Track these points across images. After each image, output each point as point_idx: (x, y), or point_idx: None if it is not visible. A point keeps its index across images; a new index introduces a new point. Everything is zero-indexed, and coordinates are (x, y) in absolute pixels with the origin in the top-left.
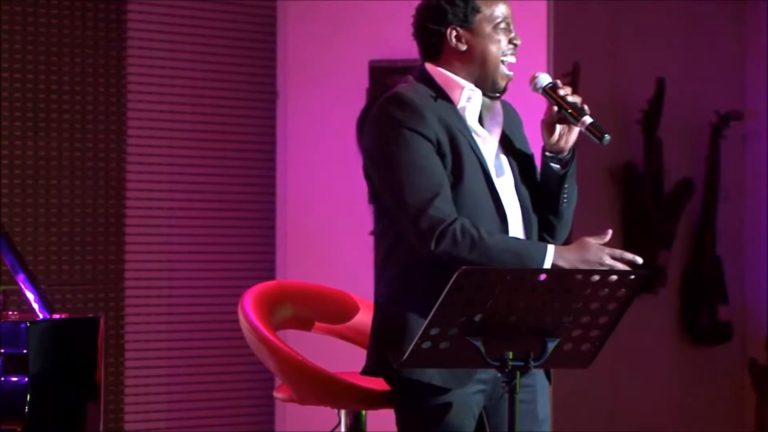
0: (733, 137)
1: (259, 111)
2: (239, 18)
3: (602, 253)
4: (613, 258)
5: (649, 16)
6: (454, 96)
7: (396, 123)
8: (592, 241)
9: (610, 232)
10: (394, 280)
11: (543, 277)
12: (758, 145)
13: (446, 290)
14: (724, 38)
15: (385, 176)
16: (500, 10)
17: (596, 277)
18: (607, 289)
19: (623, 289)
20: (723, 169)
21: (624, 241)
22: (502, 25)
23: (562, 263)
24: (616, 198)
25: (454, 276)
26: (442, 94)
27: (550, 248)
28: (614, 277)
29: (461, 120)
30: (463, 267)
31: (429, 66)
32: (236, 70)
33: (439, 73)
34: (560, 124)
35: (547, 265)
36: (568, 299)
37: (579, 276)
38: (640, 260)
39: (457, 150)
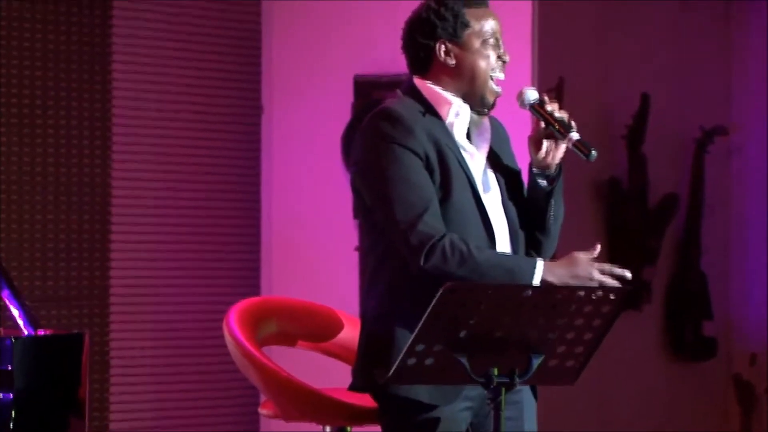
0: (718, 152)
1: (243, 126)
2: (223, 33)
3: (591, 268)
4: (603, 273)
5: (634, 31)
6: (442, 111)
7: (386, 138)
8: (582, 256)
9: (599, 246)
10: (382, 295)
11: (528, 293)
12: (743, 161)
13: (431, 306)
14: (708, 53)
15: (375, 191)
16: (489, 26)
17: (581, 293)
18: (591, 306)
19: (608, 306)
20: (708, 185)
21: (609, 256)
22: (491, 41)
23: (551, 278)
24: (601, 213)
25: (439, 292)
26: (430, 109)
27: (540, 263)
28: (599, 294)
29: (449, 135)
30: (448, 283)
31: (417, 80)
32: (221, 85)
33: (428, 87)
34: (547, 140)
35: (537, 280)
36: (553, 315)
37: (564, 292)
38: (629, 275)
39: (446, 165)
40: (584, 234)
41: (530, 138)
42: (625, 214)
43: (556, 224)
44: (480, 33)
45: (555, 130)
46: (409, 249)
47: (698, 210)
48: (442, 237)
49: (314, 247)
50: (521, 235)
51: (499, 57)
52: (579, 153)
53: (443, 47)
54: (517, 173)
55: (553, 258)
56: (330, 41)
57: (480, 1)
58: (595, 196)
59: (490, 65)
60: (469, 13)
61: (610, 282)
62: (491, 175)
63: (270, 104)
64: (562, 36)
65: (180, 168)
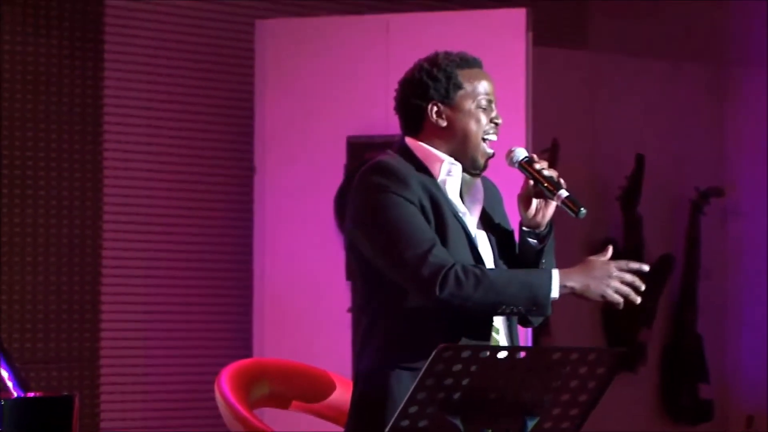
0: (714, 213)
1: (235, 187)
2: (216, 93)
3: (608, 267)
4: (620, 269)
5: (627, 92)
6: (434, 169)
7: (381, 188)
8: (596, 258)
9: (611, 249)
10: (375, 354)
11: (522, 354)
12: (739, 222)
13: (425, 367)
14: (702, 113)
15: (378, 238)
16: (483, 87)
17: (575, 355)
18: (586, 367)
19: (603, 368)
20: (704, 246)
21: (603, 318)
22: (484, 103)
23: (571, 284)
24: None
25: (433, 353)
26: (422, 168)
27: (555, 272)
28: (593, 355)
29: (442, 193)
30: (441, 345)
31: (409, 140)
32: (212, 146)
33: (419, 146)
34: (536, 198)
35: (556, 289)
36: (548, 377)
37: (558, 354)
38: (646, 267)
39: (441, 216)
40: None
41: (519, 196)
42: None
43: None
44: (472, 94)
45: (544, 188)
46: (423, 282)
47: (694, 271)
48: (453, 265)
49: (307, 309)
50: None
51: (491, 120)
52: (568, 210)
53: (435, 108)
54: (509, 233)
55: (545, 323)
56: (323, 102)
57: (473, 62)
58: (590, 256)
59: (481, 127)
60: (462, 75)
61: (629, 278)
62: (482, 235)
63: (263, 165)
64: (555, 97)
65: (171, 229)
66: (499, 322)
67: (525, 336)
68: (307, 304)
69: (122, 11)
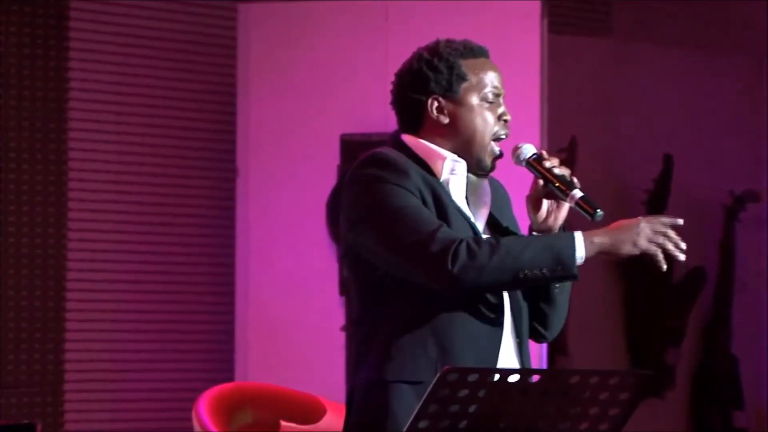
0: (750, 221)
1: (216, 192)
2: (194, 86)
3: (638, 220)
4: (654, 230)
5: (653, 85)
6: (435, 168)
7: (377, 179)
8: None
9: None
10: (376, 362)
11: (535, 378)
12: None
13: (428, 392)
14: (739, 109)
15: (379, 230)
16: (489, 79)
17: (596, 379)
18: (607, 392)
19: (626, 392)
20: (739, 257)
21: (626, 337)
22: (490, 97)
23: (599, 239)
24: (617, 288)
25: (436, 376)
26: (422, 166)
27: (578, 233)
28: (615, 379)
29: (446, 193)
30: (446, 367)
31: (406, 137)
32: (191, 146)
33: (418, 143)
34: (547, 199)
35: (581, 246)
36: (565, 403)
37: (576, 377)
38: (680, 221)
39: (445, 213)
40: (598, 312)
41: (528, 198)
42: (646, 290)
43: (563, 294)
44: (478, 87)
45: (555, 188)
46: (433, 259)
47: (728, 285)
48: (462, 240)
49: (295, 327)
50: (524, 306)
51: (499, 116)
52: (583, 213)
53: (436, 103)
54: None
55: (564, 346)
56: (313, 96)
57: (478, 51)
58: (612, 268)
59: (488, 125)
60: (466, 65)
61: (664, 229)
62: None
63: (246, 167)
64: (574, 90)
65: (143, 239)
66: (508, 340)
67: (539, 357)
68: (295, 322)
69: None
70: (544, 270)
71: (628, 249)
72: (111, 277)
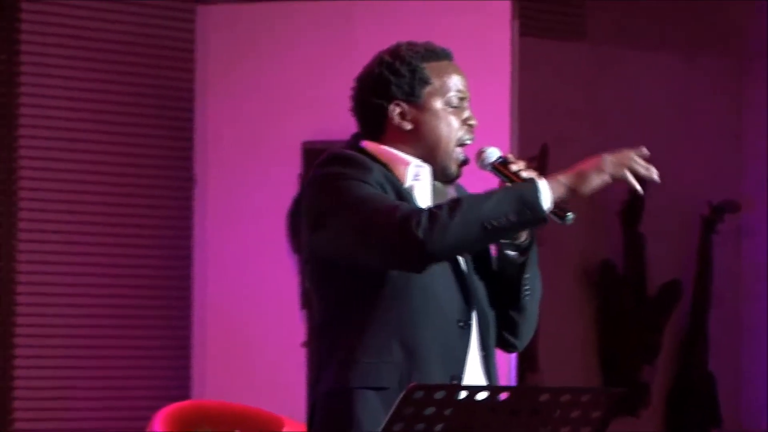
0: (728, 232)
1: (173, 201)
2: (150, 91)
3: (602, 155)
4: (619, 157)
5: (628, 90)
6: (398, 173)
7: (340, 176)
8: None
9: None
10: (340, 368)
11: (504, 395)
12: (756, 242)
13: (392, 411)
14: (717, 116)
15: (344, 220)
16: (453, 83)
17: (567, 396)
18: (579, 411)
19: (599, 411)
20: (716, 270)
21: (599, 353)
22: (455, 101)
23: (564, 179)
24: (592, 303)
25: (402, 394)
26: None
27: (541, 180)
28: (588, 397)
29: (412, 200)
30: (411, 384)
31: (367, 143)
32: (147, 153)
33: (379, 148)
34: None
35: (545, 188)
36: (534, 422)
37: (546, 395)
38: (645, 151)
39: None
40: (571, 326)
41: None
42: (620, 304)
43: (533, 301)
44: (441, 91)
45: None
46: (398, 233)
47: (705, 299)
48: (423, 209)
49: (255, 343)
50: (491, 315)
51: (464, 121)
52: (553, 216)
53: (398, 109)
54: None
55: (533, 359)
56: (275, 102)
57: (441, 53)
58: (585, 281)
59: (453, 130)
60: (429, 68)
61: (631, 155)
62: None
63: (204, 175)
64: (546, 96)
65: (96, 250)
66: (474, 353)
67: (508, 373)
68: (254, 337)
69: None
70: (511, 216)
71: (596, 179)
72: (62, 291)
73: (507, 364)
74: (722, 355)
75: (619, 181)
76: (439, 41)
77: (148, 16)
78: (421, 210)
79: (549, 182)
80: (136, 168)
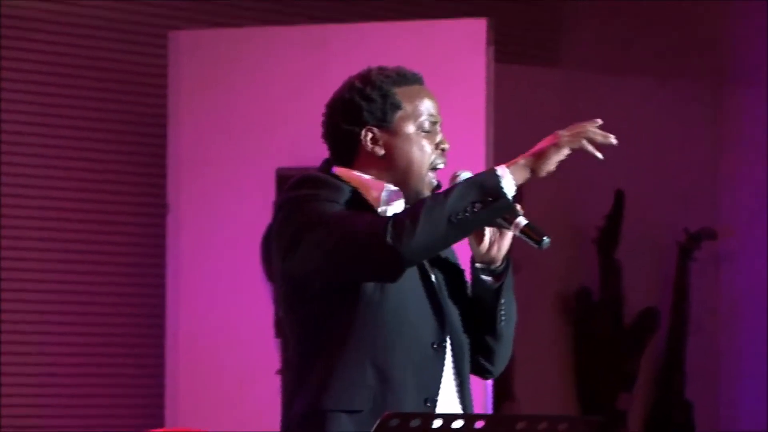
0: (706, 260)
1: (145, 228)
2: (122, 117)
3: (558, 131)
4: (572, 130)
5: (603, 116)
6: (371, 198)
7: (308, 198)
8: None
9: None
10: (313, 391)
11: (480, 423)
12: (734, 269)
13: None
14: (693, 142)
15: (316, 238)
16: (425, 107)
17: (544, 425)
18: None
19: None
20: (693, 297)
21: (575, 381)
22: (427, 125)
23: (522, 160)
24: (568, 330)
25: (377, 423)
26: (356, 195)
27: (499, 167)
28: (565, 425)
29: None
30: (386, 413)
31: (339, 169)
32: (118, 179)
33: (351, 174)
34: (489, 226)
35: (504, 170)
36: None
37: (523, 423)
38: (599, 120)
39: None
40: (548, 354)
41: None
42: (596, 331)
43: (509, 326)
44: (413, 116)
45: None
46: (366, 243)
47: (682, 327)
48: (390, 216)
49: (228, 371)
50: (465, 341)
51: (437, 145)
52: (529, 241)
53: (370, 134)
54: (459, 270)
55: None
56: (248, 128)
57: (412, 78)
58: (561, 309)
59: (425, 154)
60: (400, 93)
61: (579, 126)
62: (429, 270)
63: (177, 201)
64: (522, 121)
65: (66, 278)
66: (449, 379)
67: (484, 401)
68: (228, 365)
69: (14, 20)
70: (475, 205)
71: (554, 155)
72: (34, 319)
73: (483, 391)
74: (700, 383)
75: (594, 206)
76: (414, 66)
77: (121, 42)
78: (387, 218)
79: (509, 166)
80: (110, 195)
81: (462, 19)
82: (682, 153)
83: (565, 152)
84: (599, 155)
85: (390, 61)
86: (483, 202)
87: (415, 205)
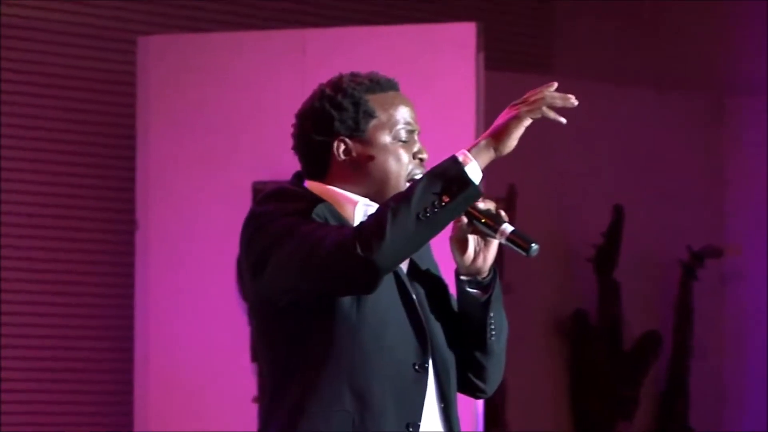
0: (710, 279)
1: (113, 245)
2: (88, 128)
3: (518, 106)
4: (528, 99)
5: (601, 127)
6: (346, 214)
7: (277, 213)
8: None
9: None
10: (289, 413)
11: None
12: (740, 290)
13: None
14: (696, 157)
15: (286, 253)
16: (401, 115)
17: None
18: None
19: None
20: (697, 320)
21: (571, 407)
22: (403, 134)
23: (482, 140)
24: (563, 354)
25: None
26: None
27: (459, 153)
28: None
29: None
30: None
31: (311, 183)
32: (84, 194)
33: (324, 188)
34: (474, 235)
35: (465, 154)
36: None
37: None
38: (573, 100)
39: None
40: (541, 380)
41: (452, 239)
42: (594, 357)
43: (500, 340)
44: (388, 124)
45: (482, 225)
46: (337, 256)
47: (685, 351)
48: (356, 226)
49: (201, 398)
50: (450, 358)
51: (414, 155)
52: (516, 248)
53: (343, 145)
54: (441, 284)
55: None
56: (223, 139)
57: (387, 84)
58: (556, 332)
59: (403, 164)
60: (373, 100)
61: (535, 94)
62: (409, 286)
63: (146, 218)
64: None
65: (32, 298)
66: (433, 406)
67: (474, 427)
68: (201, 392)
69: None
70: (442, 197)
71: (514, 128)
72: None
73: (473, 418)
74: (704, 411)
75: (590, 223)
76: (400, 72)
77: (87, 48)
78: (354, 228)
79: (469, 150)
80: (76, 210)
81: (450, 23)
82: (684, 166)
83: (526, 123)
84: (562, 120)
85: (374, 68)
86: (449, 194)
87: (378, 209)
